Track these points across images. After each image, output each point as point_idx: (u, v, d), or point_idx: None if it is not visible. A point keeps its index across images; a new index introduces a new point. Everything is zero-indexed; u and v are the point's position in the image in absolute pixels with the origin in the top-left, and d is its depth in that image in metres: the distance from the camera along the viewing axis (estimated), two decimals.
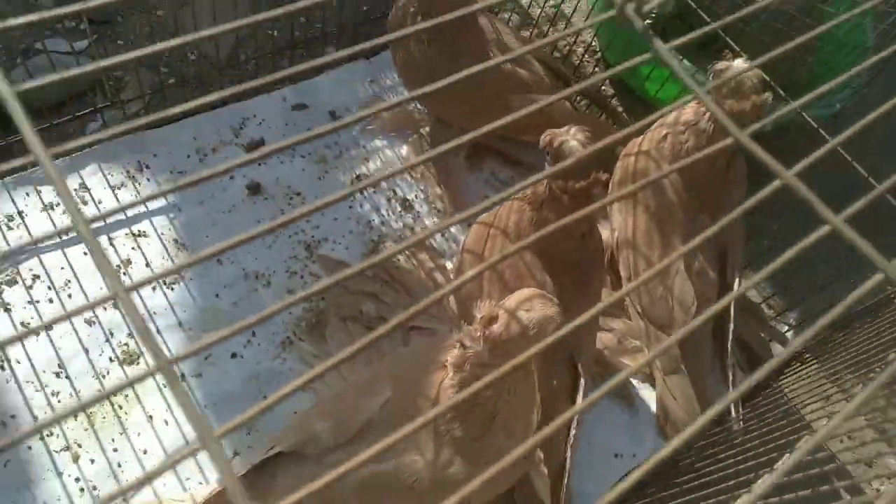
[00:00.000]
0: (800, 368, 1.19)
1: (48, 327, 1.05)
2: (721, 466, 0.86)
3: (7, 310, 1.05)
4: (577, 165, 0.91)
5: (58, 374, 1.03)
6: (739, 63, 1.03)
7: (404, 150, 1.31)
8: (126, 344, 1.07)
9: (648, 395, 1.16)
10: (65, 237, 1.10)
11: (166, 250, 1.14)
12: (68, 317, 0.26)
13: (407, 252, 1.20)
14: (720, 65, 1.04)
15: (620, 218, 1.18)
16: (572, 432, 1.01)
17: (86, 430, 1.00)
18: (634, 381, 1.17)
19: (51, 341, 1.05)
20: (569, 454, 1.01)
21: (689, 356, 1.12)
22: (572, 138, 0.93)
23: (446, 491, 0.79)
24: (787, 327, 1.29)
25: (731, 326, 1.14)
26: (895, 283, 0.33)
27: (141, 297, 1.10)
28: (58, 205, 1.12)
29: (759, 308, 1.30)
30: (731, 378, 1.14)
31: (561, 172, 0.93)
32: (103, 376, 1.04)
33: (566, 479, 1.00)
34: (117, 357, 1.05)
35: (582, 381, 1.00)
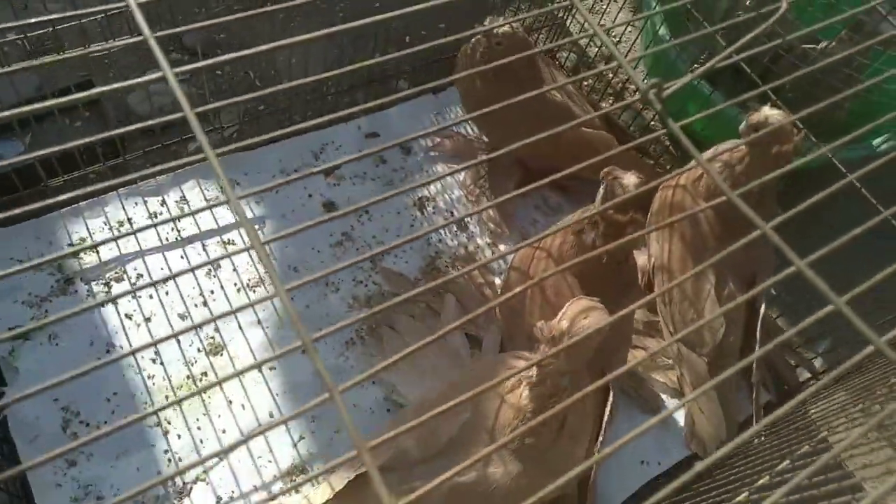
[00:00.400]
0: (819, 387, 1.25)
1: (148, 319, 1.20)
2: (732, 471, 0.94)
3: (114, 302, 1.20)
4: (621, 202, 1.01)
5: (153, 360, 1.16)
6: (766, 110, 1.12)
7: (462, 175, 1.43)
8: (213, 337, 1.19)
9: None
10: (165, 242, 1.26)
11: (250, 256, 1.28)
12: (234, 312, 0.39)
13: (460, 267, 1.32)
14: (754, 117, 1.12)
15: (657, 245, 1.26)
16: (600, 438, 1.11)
17: (174, 409, 1.12)
18: (664, 396, 1.25)
19: (149, 331, 1.17)
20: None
21: (717, 374, 1.21)
22: (627, 180, 1.04)
23: (520, 496, 0.87)
24: (814, 354, 1.36)
25: (758, 347, 1.21)
26: (844, 316, 0.44)
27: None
28: (161, 214, 1.28)
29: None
30: (754, 395, 1.23)
31: (606, 202, 1.04)
32: (192, 364, 1.16)
33: (592, 479, 1.10)
34: (204, 348, 1.18)
35: (611, 394, 1.10)
